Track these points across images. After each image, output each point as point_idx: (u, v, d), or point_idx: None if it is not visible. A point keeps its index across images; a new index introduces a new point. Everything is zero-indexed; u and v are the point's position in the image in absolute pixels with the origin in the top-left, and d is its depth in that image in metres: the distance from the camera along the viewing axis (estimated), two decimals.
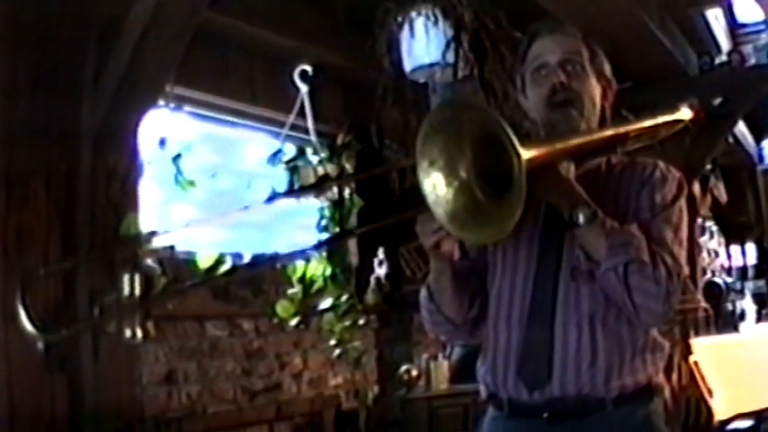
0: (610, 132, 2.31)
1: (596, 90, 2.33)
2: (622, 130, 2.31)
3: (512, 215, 1.89)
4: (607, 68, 2.40)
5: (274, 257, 4.81)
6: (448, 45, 4.60)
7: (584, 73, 2.31)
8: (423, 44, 4.61)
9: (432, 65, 4.65)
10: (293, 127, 5.39)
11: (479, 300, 2.37)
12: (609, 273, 2.08)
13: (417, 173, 2.03)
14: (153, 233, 4.34)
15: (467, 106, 2.11)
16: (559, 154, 2.12)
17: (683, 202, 2.26)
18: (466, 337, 2.44)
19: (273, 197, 2.48)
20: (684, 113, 2.44)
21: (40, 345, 3.51)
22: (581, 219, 2.09)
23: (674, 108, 2.43)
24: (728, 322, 8.40)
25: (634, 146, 2.35)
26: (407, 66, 4.72)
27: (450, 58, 4.61)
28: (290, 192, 5.06)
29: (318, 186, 5.14)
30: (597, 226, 2.09)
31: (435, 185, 2.02)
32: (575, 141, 2.22)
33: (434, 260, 2.27)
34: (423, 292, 2.39)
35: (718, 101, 6.30)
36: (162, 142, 4.55)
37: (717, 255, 9.32)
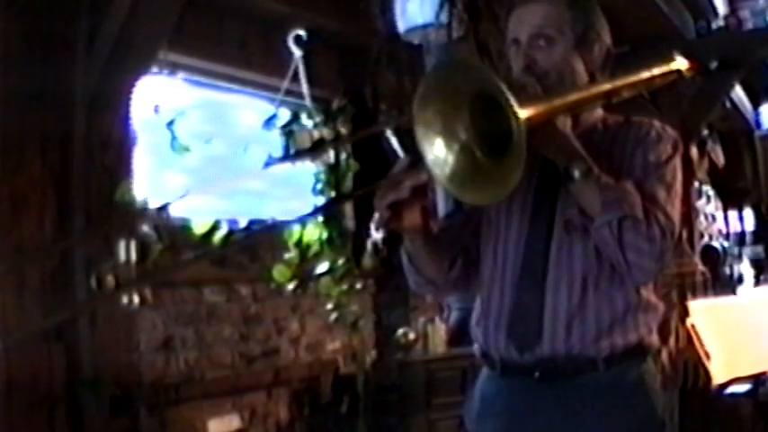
0: (607, 87, 2.29)
1: (576, 58, 2.27)
2: (619, 83, 2.29)
3: (511, 176, 1.87)
4: (597, 28, 2.32)
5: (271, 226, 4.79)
6: (441, 5, 4.57)
7: (555, 46, 2.24)
8: (416, 4, 4.57)
9: (425, 25, 4.61)
10: (288, 92, 5.36)
11: (461, 260, 2.35)
12: (603, 228, 2.07)
13: (415, 135, 2.01)
14: (160, 206, 4.33)
15: (463, 67, 2.09)
16: (557, 110, 2.11)
17: (677, 162, 2.25)
18: (452, 295, 2.44)
19: (271, 162, 2.45)
20: (680, 63, 2.42)
21: None
22: (576, 173, 2.07)
23: (669, 60, 2.41)
24: (726, 286, 8.42)
25: (630, 94, 2.32)
26: (401, 26, 4.68)
27: (444, 18, 4.58)
28: (287, 156, 5.03)
29: (316, 150, 5.11)
30: (592, 181, 2.07)
31: (434, 147, 2.00)
32: (573, 97, 2.20)
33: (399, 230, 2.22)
34: (402, 257, 2.36)
35: (714, 64, 6.28)
36: (156, 109, 4.53)
37: (714, 219, 9.33)
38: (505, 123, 1.86)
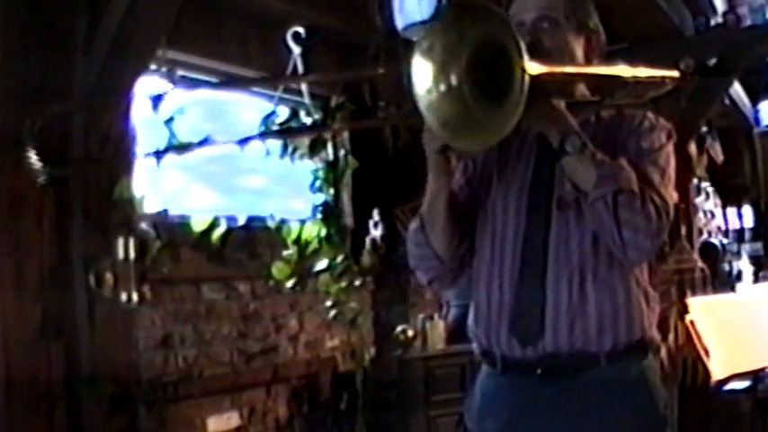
0: (603, 70, 2.31)
1: (577, 43, 2.32)
2: (615, 71, 2.31)
3: (506, 124, 1.89)
4: (593, 18, 2.39)
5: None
6: (440, 2, 4.55)
7: (559, 29, 2.29)
8: (414, 1, 4.55)
9: (424, 22, 4.59)
10: (286, 89, 5.36)
11: (468, 242, 2.35)
12: (597, 203, 2.08)
13: (410, 65, 2.00)
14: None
15: (478, 9, 2.04)
16: (556, 78, 2.11)
17: (670, 149, 2.27)
18: (448, 281, 2.42)
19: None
20: (674, 73, 2.43)
21: None
22: (570, 148, 2.08)
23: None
24: (725, 283, 8.40)
25: (622, 101, 2.35)
26: (399, 23, 4.66)
27: None
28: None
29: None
30: (586, 156, 2.09)
31: (429, 90, 1.99)
32: (570, 69, 2.24)
33: (435, 173, 2.23)
34: (413, 224, 2.37)
35: (713, 61, 6.26)
36: (155, 105, 4.51)
37: (713, 216, 9.31)
38: (508, 73, 1.87)
